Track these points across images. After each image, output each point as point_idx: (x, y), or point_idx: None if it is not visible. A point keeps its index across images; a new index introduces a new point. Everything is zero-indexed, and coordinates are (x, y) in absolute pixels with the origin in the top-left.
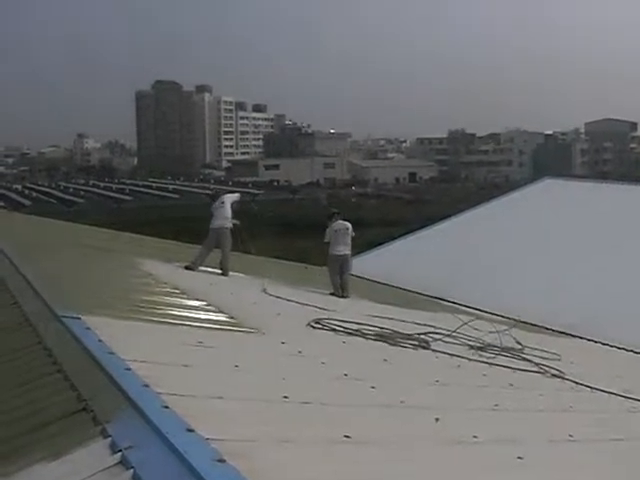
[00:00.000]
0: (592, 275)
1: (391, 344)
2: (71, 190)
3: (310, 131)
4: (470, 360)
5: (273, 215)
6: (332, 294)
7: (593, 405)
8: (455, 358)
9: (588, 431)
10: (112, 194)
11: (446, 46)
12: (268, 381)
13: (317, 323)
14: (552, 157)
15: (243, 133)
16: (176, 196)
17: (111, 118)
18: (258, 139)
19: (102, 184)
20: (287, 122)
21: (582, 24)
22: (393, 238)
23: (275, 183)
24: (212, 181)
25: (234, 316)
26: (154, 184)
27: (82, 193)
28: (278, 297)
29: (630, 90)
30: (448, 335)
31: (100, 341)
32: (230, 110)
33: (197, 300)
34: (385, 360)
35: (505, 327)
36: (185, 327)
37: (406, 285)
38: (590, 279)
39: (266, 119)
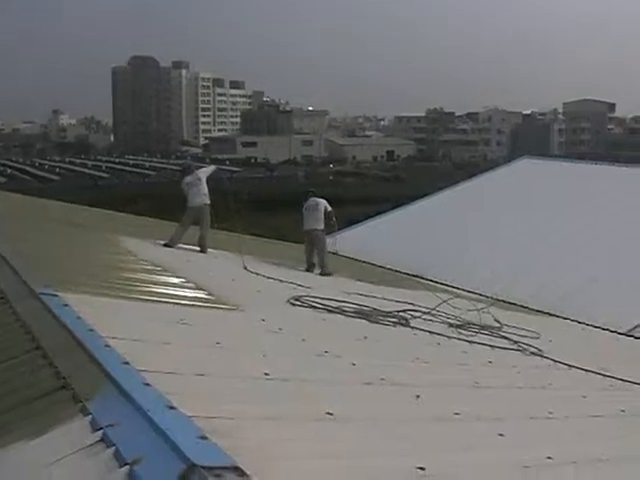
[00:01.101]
0: (570, 254)
1: (371, 321)
2: (47, 167)
3: (288, 108)
4: (450, 338)
5: (250, 192)
6: (307, 270)
7: (571, 383)
8: (435, 336)
9: (567, 408)
10: (88, 171)
11: (425, 24)
12: (249, 358)
13: (297, 300)
14: (530, 137)
15: (221, 110)
16: (153, 173)
17: (87, 94)
18: (236, 116)
19: (78, 161)
20: (265, 99)
21: (566, 6)
22: (371, 216)
23: (253, 160)
24: (189, 158)
25: (213, 293)
26: (131, 161)
27: (58, 170)
28: (258, 274)
29: (609, 71)
30: (427, 313)
31: (79, 318)
32: (207, 87)
33: (176, 277)
34: (365, 337)
35: (484, 305)
36: (165, 304)
37: (385, 263)
38: (568, 258)
39: (244, 96)
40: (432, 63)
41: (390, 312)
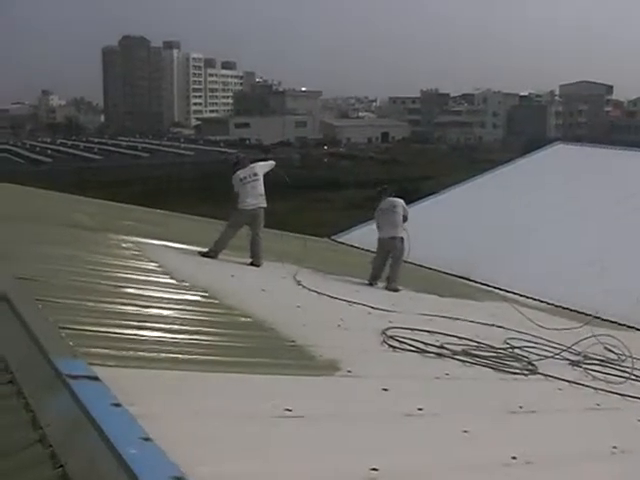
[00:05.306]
0: (634, 252)
1: (495, 369)
2: (38, 149)
3: (281, 89)
4: (596, 390)
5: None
6: (369, 282)
7: None
8: (579, 389)
9: None
10: (80, 153)
11: (419, 4)
12: None
13: (390, 337)
14: (526, 119)
15: (212, 90)
16: (146, 155)
17: (76, 74)
18: (227, 97)
19: (69, 142)
20: (257, 80)
21: None
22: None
23: (247, 142)
24: (182, 139)
25: (292, 337)
26: (123, 143)
27: (49, 152)
28: (318, 293)
29: (608, 53)
30: (560, 353)
31: (148, 441)
32: (199, 67)
33: (238, 311)
34: (520, 407)
35: (580, 324)
36: (249, 374)
37: (425, 262)
38: (635, 256)
39: (236, 76)
40: (425, 44)
41: (508, 351)
